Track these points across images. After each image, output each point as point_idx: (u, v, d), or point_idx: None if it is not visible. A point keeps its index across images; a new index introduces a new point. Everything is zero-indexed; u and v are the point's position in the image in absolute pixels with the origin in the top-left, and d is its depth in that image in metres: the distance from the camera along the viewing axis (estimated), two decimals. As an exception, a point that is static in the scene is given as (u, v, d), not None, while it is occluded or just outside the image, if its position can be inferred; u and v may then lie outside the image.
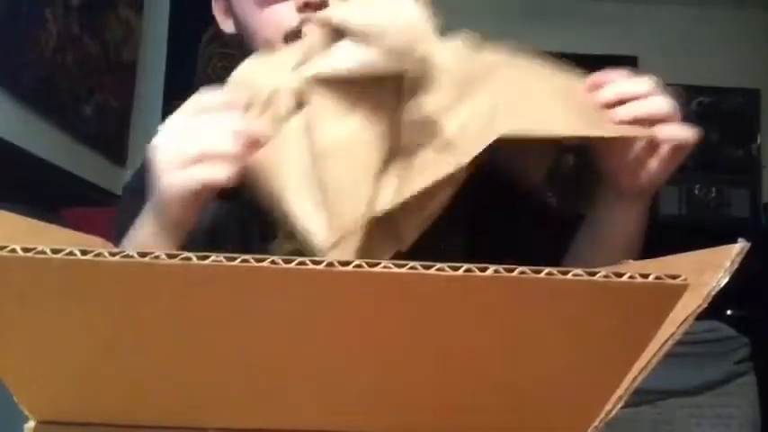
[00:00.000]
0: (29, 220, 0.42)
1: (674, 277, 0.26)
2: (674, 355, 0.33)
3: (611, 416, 0.34)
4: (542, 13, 3.22)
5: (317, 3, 0.71)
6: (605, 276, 0.26)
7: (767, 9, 3.23)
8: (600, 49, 3.23)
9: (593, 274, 0.26)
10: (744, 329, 1.81)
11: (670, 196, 2.87)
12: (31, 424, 0.35)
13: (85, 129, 2.33)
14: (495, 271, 0.26)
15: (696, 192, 2.87)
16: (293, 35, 0.72)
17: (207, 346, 0.31)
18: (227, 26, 0.83)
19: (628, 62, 3.28)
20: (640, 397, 1.64)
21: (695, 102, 3.33)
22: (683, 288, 0.26)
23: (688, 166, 3.04)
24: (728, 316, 2.37)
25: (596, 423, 0.34)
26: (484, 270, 0.26)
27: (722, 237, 0.33)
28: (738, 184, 2.94)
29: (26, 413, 0.35)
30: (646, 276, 0.26)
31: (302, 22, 0.72)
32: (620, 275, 0.26)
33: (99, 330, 0.31)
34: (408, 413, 0.35)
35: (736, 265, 0.32)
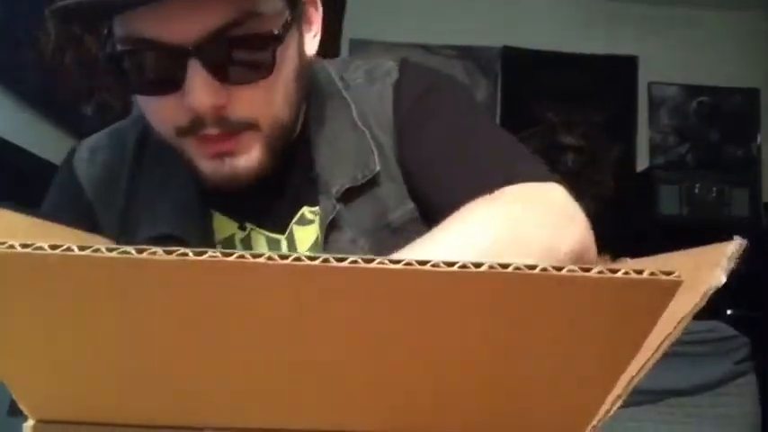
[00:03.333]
0: (28, 218, 0.43)
1: (669, 273, 0.26)
2: (674, 355, 0.33)
3: (609, 415, 0.34)
4: (543, 12, 3.23)
5: (204, 110, 0.59)
6: (600, 272, 0.26)
7: (767, 9, 3.23)
8: (600, 49, 3.24)
9: (588, 270, 0.26)
10: (744, 329, 1.82)
11: (670, 196, 2.87)
12: (30, 423, 0.35)
13: (85, 128, 2.32)
14: (491, 267, 0.26)
15: (696, 191, 2.87)
16: (186, 131, 0.62)
17: (204, 344, 0.31)
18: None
19: (628, 62, 3.29)
20: (640, 396, 1.65)
21: (695, 102, 3.33)
22: (677, 284, 0.26)
23: (688, 165, 3.04)
24: (728, 316, 2.37)
25: (594, 422, 0.34)
26: (479, 266, 0.26)
27: (722, 237, 0.33)
28: (738, 184, 2.94)
29: (25, 412, 0.35)
30: (640, 272, 0.26)
31: (192, 124, 0.61)
32: (615, 271, 0.26)
33: (97, 327, 0.31)
34: (405, 411, 0.35)
35: (733, 264, 0.32)
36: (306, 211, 0.71)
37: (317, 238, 0.70)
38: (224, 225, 0.72)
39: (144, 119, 0.71)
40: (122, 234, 0.70)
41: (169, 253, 0.26)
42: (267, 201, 0.71)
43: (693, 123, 3.33)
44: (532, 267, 0.26)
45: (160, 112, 0.63)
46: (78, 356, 0.32)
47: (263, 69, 0.61)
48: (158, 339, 0.31)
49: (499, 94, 3.24)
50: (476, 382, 0.33)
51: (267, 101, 0.63)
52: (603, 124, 3.29)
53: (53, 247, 0.26)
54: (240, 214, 0.72)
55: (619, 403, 0.34)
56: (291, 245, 0.71)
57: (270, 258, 0.26)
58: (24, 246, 0.27)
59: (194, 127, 0.61)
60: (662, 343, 0.31)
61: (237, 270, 0.27)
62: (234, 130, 0.62)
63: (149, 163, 0.73)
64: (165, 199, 0.70)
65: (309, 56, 0.70)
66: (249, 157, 0.64)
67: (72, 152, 0.76)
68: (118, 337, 0.31)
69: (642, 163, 3.26)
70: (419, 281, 0.27)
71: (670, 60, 3.24)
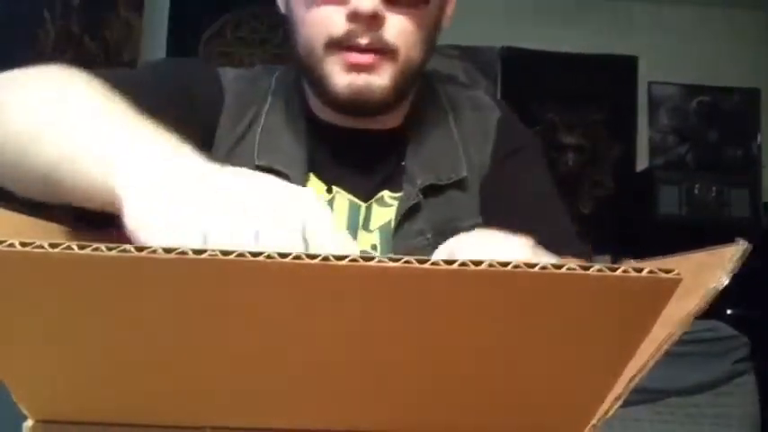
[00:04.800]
0: (29, 218, 0.43)
1: (668, 271, 0.26)
2: (673, 355, 0.33)
3: (609, 414, 0.34)
4: (543, 12, 3.22)
5: (368, 15, 0.68)
6: (599, 271, 0.26)
7: (767, 9, 3.23)
8: (600, 49, 3.24)
9: (587, 268, 0.26)
10: (743, 329, 1.82)
11: (670, 196, 2.87)
12: (29, 423, 0.35)
13: (85, 128, 2.33)
14: (490, 265, 0.26)
15: (696, 192, 2.87)
16: (335, 43, 0.70)
17: (203, 343, 0.31)
18: (282, 6, 0.78)
19: (628, 62, 3.29)
20: (640, 396, 1.65)
21: (695, 102, 3.33)
22: (676, 282, 0.26)
23: (688, 165, 3.03)
24: (728, 315, 2.37)
25: (594, 422, 0.34)
26: (478, 264, 0.26)
27: (722, 237, 0.33)
28: (738, 184, 2.94)
29: (25, 412, 0.35)
30: (639, 270, 0.26)
31: (347, 34, 0.69)
32: (614, 270, 0.26)
33: (96, 326, 0.31)
34: (405, 411, 0.35)
35: (737, 267, 0.32)
36: (386, 194, 0.78)
37: (390, 221, 0.76)
38: (314, 186, 0.77)
39: (275, 73, 0.83)
40: (228, 156, 0.75)
41: (168, 251, 0.26)
42: (358, 173, 0.79)
43: (693, 123, 3.33)
44: (532, 266, 0.26)
45: (319, 20, 0.70)
46: (78, 356, 0.32)
47: (421, 1, 0.71)
48: (158, 338, 0.31)
49: (499, 95, 3.24)
50: (475, 381, 0.33)
51: (412, 34, 0.72)
52: (603, 124, 3.29)
53: (53, 245, 0.26)
54: (331, 178, 0.78)
55: (619, 403, 0.33)
56: (368, 217, 0.77)
57: (269, 257, 0.26)
58: (24, 244, 0.27)
59: (347, 37, 0.69)
60: (662, 343, 0.31)
61: (237, 268, 0.27)
62: (379, 47, 0.70)
63: (273, 110, 0.79)
64: (278, 150, 0.76)
65: (442, 28, 0.79)
66: (382, 79, 0.71)
67: (210, 67, 0.83)
68: (117, 336, 0.31)
69: (642, 163, 3.26)
70: (419, 280, 0.27)
71: (670, 60, 3.24)
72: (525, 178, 0.81)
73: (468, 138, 0.81)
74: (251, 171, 0.41)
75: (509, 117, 0.86)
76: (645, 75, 3.30)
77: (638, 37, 3.24)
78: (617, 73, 3.30)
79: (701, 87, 3.31)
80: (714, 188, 2.88)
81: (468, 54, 3.24)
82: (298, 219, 0.38)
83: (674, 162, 3.27)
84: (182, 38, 2.94)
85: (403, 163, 0.78)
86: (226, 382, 0.33)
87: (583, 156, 3.25)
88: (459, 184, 0.78)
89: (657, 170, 3.05)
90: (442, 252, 0.53)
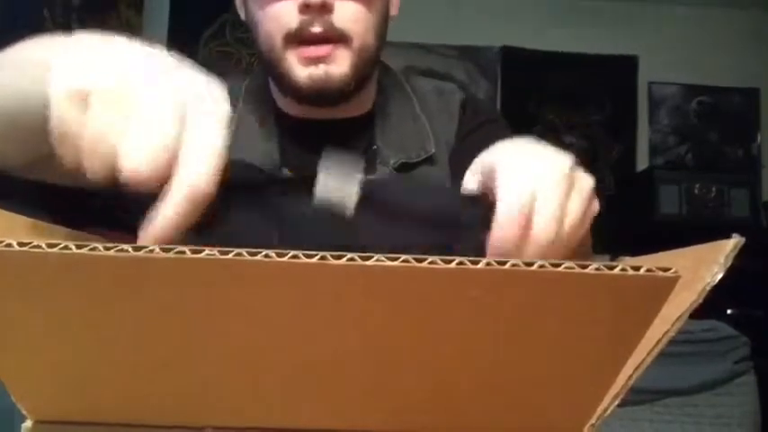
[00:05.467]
0: (27, 219, 0.43)
1: (666, 270, 0.26)
2: (673, 355, 0.33)
3: (607, 413, 0.34)
4: (543, 12, 3.22)
5: (318, 5, 0.71)
6: (597, 269, 0.26)
7: (767, 9, 3.22)
8: (600, 49, 3.24)
9: (585, 266, 0.26)
10: (744, 329, 1.81)
11: (670, 196, 2.87)
12: (28, 423, 0.35)
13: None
14: (488, 264, 0.26)
15: (696, 191, 2.87)
16: (292, 37, 0.73)
17: (201, 342, 0.31)
18: (241, 13, 0.83)
19: (628, 62, 3.29)
20: (640, 396, 1.65)
21: (695, 102, 3.33)
22: (674, 281, 0.26)
23: (688, 165, 3.02)
24: (728, 315, 2.37)
25: (593, 421, 0.34)
26: (476, 263, 0.26)
27: (722, 237, 0.33)
28: (738, 184, 2.94)
29: (24, 412, 0.35)
30: (637, 269, 0.26)
31: (301, 26, 0.73)
32: (612, 268, 0.26)
33: (95, 326, 0.31)
34: (405, 411, 0.35)
35: (730, 261, 0.32)
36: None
37: None
38: None
39: (246, 79, 0.86)
40: None
41: (166, 251, 0.26)
42: None
43: (693, 123, 3.33)
44: (530, 264, 0.26)
45: (274, 16, 0.74)
46: (77, 356, 0.32)
47: None
48: (157, 338, 0.31)
49: (499, 94, 3.24)
50: (474, 381, 0.33)
51: (363, 20, 0.75)
52: (603, 124, 3.29)
53: (51, 245, 0.26)
54: (305, 172, 0.78)
55: (617, 402, 0.33)
56: None
57: (267, 256, 0.26)
58: (22, 245, 0.27)
59: (302, 29, 0.73)
60: (660, 340, 0.31)
61: (235, 268, 0.27)
62: (333, 35, 0.74)
63: (244, 113, 0.82)
64: (251, 150, 0.79)
65: (391, 15, 0.83)
66: (340, 68, 0.75)
67: None
68: (116, 336, 0.31)
69: (642, 163, 3.26)
70: (417, 279, 0.27)
71: (670, 60, 3.24)
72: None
73: (433, 118, 0.85)
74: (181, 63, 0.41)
75: (473, 98, 0.90)
76: (645, 75, 3.29)
77: (638, 37, 3.24)
78: (617, 73, 3.30)
79: (701, 87, 3.31)
80: (714, 188, 2.87)
81: (468, 54, 3.23)
82: (186, 102, 0.38)
83: (674, 162, 3.27)
84: (182, 37, 2.93)
85: (374, 146, 0.81)
86: (226, 382, 0.33)
87: (583, 156, 3.25)
88: (430, 160, 0.81)
89: (657, 170, 3.05)
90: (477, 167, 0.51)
